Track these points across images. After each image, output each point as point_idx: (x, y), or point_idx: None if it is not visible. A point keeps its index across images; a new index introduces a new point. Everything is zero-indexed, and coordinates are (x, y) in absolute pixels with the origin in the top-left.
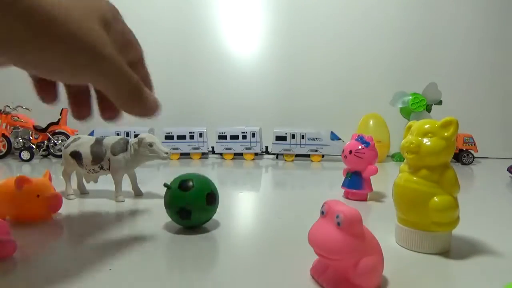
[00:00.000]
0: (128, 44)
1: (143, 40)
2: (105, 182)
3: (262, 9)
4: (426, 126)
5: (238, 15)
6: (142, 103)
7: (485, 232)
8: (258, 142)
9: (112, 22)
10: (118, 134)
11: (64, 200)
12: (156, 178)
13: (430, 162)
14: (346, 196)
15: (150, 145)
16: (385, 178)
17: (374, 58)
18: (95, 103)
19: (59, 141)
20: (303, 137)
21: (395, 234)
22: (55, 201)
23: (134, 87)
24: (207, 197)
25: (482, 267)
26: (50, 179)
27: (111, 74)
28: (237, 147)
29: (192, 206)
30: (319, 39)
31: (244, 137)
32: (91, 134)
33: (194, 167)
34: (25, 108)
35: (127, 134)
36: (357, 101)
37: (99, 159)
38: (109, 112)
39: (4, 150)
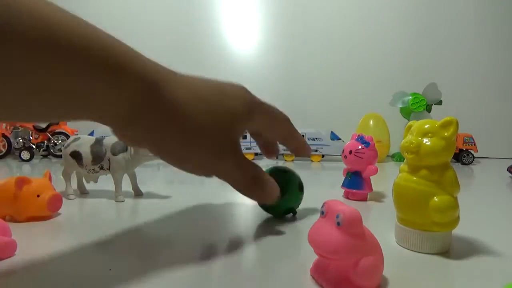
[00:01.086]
0: (271, 125)
1: (143, 41)
2: (105, 182)
3: (262, 9)
4: (426, 126)
5: (238, 16)
6: (256, 195)
7: (485, 232)
8: None
9: (244, 118)
10: None
11: (64, 200)
12: (156, 178)
13: (430, 162)
14: (346, 196)
15: None
16: (385, 178)
17: (374, 58)
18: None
19: (59, 141)
20: (303, 137)
21: (395, 234)
22: (55, 201)
23: (247, 183)
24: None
25: (482, 267)
26: (50, 179)
27: (227, 174)
28: None
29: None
30: (320, 39)
31: (244, 137)
32: (91, 134)
33: None
34: None
35: None
36: (357, 101)
37: (99, 159)
38: (269, 154)
39: (4, 150)
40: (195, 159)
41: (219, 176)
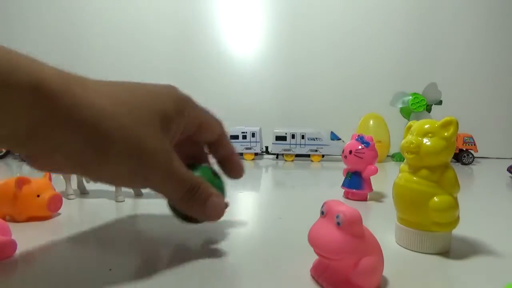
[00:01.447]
0: (201, 127)
1: (144, 42)
2: None
3: (262, 9)
4: (426, 126)
5: (238, 16)
6: (194, 211)
7: (485, 232)
8: (258, 142)
9: (175, 117)
10: None
11: (64, 200)
12: None
13: (430, 162)
14: (346, 196)
15: None
16: (385, 178)
17: (374, 58)
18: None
19: None
20: (303, 137)
21: (395, 234)
22: (55, 201)
23: (182, 196)
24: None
25: (482, 267)
26: (50, 179)
27: (159, 182)
28: (237, 147)
29: None
30: (320, 39)
31: (244, 137)
32: None
33: None
34: None
35: None
36: (357, 101)
37: None
38: (234, 174)
39: (4, 150)
40: (117, 170)
41: (150, 188)
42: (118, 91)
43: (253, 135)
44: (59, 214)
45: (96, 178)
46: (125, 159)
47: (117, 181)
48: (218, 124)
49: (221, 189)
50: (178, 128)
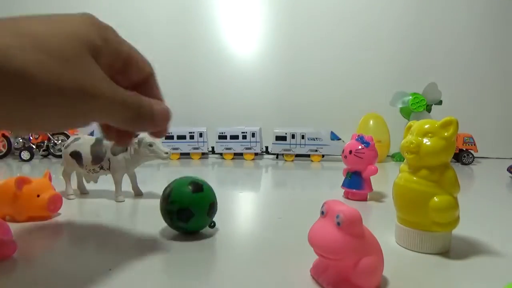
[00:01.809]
0: (128, 63)
1: (144, 41)
2: (105, 182)
3: (262, 9)
4: (426, 126)
5: (238, 15)
6: (149, 123)
7: (485, 232)
8: (258, 142)
9: (103, 46)
10: None
11: (64, 200)
12: (156, 178)
13: (430, 162)
14: (346, 196)
15: (150, 145)
16: (385, 178)
17: (374, 58)
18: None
19: (59, 141)
20: (303, 137)
21: (395, 234)
22: (55, 201)
23: (133, 112)
24: (210, 206)
25: (482, 267)
26: (50, 179)
27: (106, 110)
28: (237, 147)
29: (196, 210)
30: (319, 39)
31: (244, 137)
32: (91, 134)
33: (194, 167)
34: None
35: None
36: (357, 101)
37: (99, 159)
38: (123, 140)
39: (4, 150)
40: (54, 112)
41: (96, 120)
42: (29, 23)
43: (253, 135)
44: (59, 214)
45: (34, 129)
46: (60, 98)
47: (53, 124)
48: (146, 61)
49: (205, 224)
50: (106, 58)
